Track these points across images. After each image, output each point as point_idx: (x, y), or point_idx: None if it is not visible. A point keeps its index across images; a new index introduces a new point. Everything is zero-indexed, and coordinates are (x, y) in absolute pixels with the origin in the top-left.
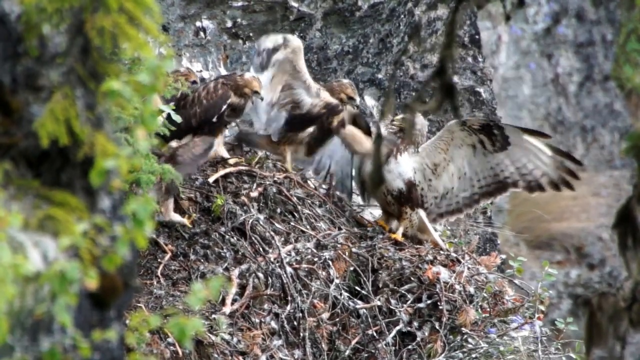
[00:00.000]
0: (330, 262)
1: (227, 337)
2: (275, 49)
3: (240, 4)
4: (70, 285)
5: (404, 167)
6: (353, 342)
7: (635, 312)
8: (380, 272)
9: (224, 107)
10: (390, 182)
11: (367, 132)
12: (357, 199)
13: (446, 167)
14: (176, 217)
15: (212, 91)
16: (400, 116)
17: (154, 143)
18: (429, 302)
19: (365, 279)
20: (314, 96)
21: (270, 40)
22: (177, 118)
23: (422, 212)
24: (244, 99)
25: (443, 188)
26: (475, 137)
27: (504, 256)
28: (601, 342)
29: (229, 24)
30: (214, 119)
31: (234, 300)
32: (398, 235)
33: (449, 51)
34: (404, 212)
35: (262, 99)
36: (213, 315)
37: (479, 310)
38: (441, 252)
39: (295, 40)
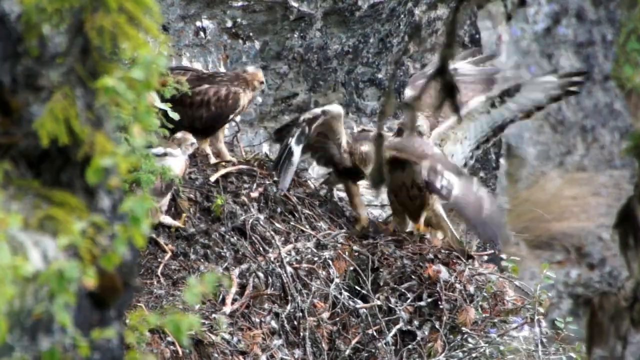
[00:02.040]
0: (330, 262)
1: (227, 336)
2: (315, 118)
3: (240, 3)
4: (69, 285)
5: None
6: (353, 341)
7: (637, 311)
8: (381, 270)
9: (231, 116)
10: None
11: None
12: None
13: (450, 135)
14: (167, 220)
15: (222, 99)
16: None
17: (151, 140)
18: (429, 300)
19: (365, 278)
20: (343, 152)
21: (310, 113)
22: (175, 116)
23: (440, 208)
24: (253, 92)
25: (448, 154)
26: (489, 102)
27: (504, 256)
28: (602, 342)
29: (229, 23)
30: (218, 125)
31: (234, 300)
32: (421, 225)
33: (449, 50)
34: (427, 200)
35: (263, 90)
36: (213, 315)
37: (479, 310)
38: (442, 251)
39: (334, 108)
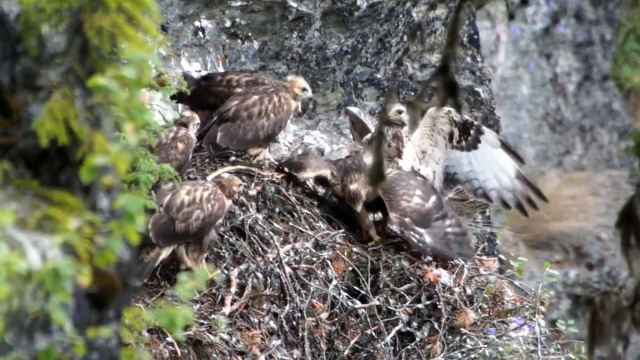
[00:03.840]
0: (329, 262)
1: (225, 337)
2: None
3: (239, 3)
4: (65, 283)
5: (408, 156)
6: (352, 341)
7: (638, 311)
8: (380, 272)
9: (288, 122)
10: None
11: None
12: None
13: (432, 153)
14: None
15: (278, 105)
16: (394, 109)
17: (145, 137)
18: (427, 302)
19: (364, 278)
20: (335, 183)
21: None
22: (175, 114)
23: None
24: (295, 100)
25: (432, 174)
26: (450, 127)
27: (502, 257)
28: (603, 342)
29: (228, 23)
30: (278, 132)
31: (233, 301)
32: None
33: (451, 49)
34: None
35: (309, 97)
36: (212, 316)
37: (478, 310)
38: None
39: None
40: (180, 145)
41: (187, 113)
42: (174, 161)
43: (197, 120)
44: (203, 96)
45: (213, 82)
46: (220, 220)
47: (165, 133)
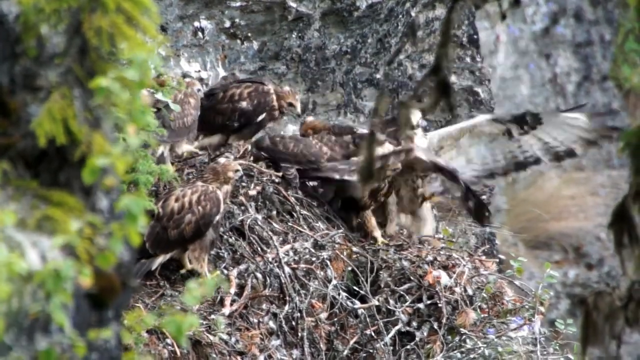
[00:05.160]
0: (328, 262)
1: (225, 337)
2: None
3: (238, 4)
4: (65, 284)
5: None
6: (351, 342)
7: (631, 310)
8: (381, 272)
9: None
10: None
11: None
12: None
13: (449, 151)
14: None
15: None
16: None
17: (150, 142)
18: (428, 302)
19: (363, 279)
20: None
21: None
22: (176, 107)
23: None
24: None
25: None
26: (503, 126)
27: (502, 256)
28: (597, 341)
29: (227, 24)
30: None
31: (233, 301)
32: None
33: (444, 49)
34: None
35: (298, 114)
36: (212, 316)
37: (478, 310)
38: (441, 253)
39: None
40: (192, 100)
41: (188, 79)
42: (189, 116)
43: (198, 85)
44: (210, 116)
45: (216, 101)
46: (218, 217)
47: (178, 90)
